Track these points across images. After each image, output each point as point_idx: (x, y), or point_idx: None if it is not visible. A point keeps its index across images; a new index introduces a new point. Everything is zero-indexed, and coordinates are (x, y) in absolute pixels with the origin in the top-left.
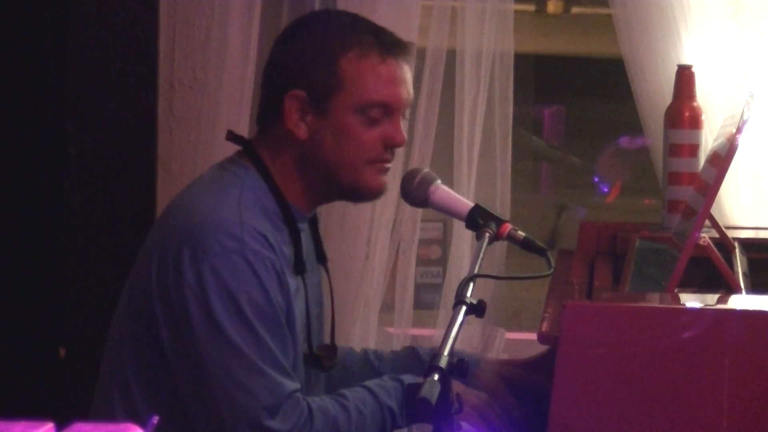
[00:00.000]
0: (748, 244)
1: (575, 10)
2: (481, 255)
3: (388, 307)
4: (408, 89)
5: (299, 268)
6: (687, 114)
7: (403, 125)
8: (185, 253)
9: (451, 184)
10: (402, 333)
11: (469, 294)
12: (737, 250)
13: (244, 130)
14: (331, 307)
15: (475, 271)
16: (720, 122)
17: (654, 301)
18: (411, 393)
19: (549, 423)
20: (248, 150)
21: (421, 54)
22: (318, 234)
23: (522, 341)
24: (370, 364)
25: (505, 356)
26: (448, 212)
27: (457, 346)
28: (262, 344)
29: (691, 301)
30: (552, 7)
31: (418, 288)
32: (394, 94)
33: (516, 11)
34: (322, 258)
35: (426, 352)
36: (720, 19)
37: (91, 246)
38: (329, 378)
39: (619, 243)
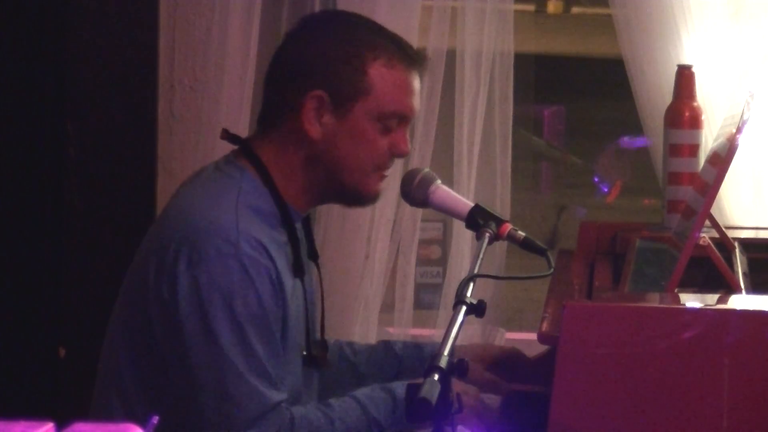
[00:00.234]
0: (748, 244)
1: (575, 10)
2: (481, 255)
3: (388, 307)
4: (419, 100)
5: (298, 270)
6: (687, 114)
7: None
8: (181, 256)
9: (451, 184)
10: (402, 333)
11: (469, 294)
12: (737, 250)
13: (243, 130)
14: (321, 304)
15: (475, 271)
16: (720, 122)
17: (654, 301)
18: (411, 393)
19: (549, 423)
20: (245, 149)
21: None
22: (311, 231)
23: (522, 341)
24: (345, 358)
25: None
26: (448, 212)
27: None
28: (251, 353)
29: (691, 301)
30: (552, 7)
31: (418, 288)
32: (411, 105)
33: (516, 11)
34: (314, 255)
35: (400, 347)
36: (720, 19)
37: (91, 246)
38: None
39: (619, 243)
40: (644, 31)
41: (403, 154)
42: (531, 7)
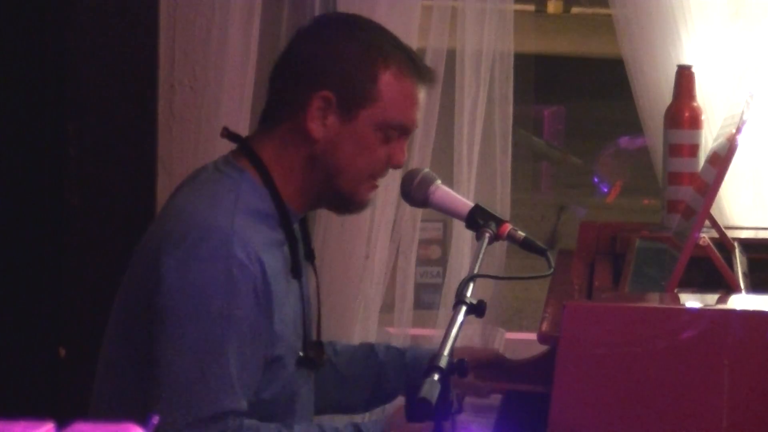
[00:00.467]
0: (748, 244)
1: (575, 10)
2: (481, 255)
3: (388, 307)
4: (421, 115)
5: (295, 271)
6: (687, 114)
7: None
8: (172, 253)
9: (451, 184)
10: (402, 333)
11: (469, 294)
12: (737, 250)
13: (244, 130)
14: (317, 304)
15: (475, 271)
16: (720, 122)
17: (654, 301)
18: (411, 393)
19: (549, 423)
20: (245, 148)
21: (421, 54)
22: (308, 233)
23: (522, 341)
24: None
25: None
26: (448, 212)
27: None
28: (217, 355)
29: (691, 301)
30: (552, 7)
31: (418, 288)
32: (414, 119)
33: (516, 11)
34: (310, 257)
35: (383, 352)
36: (720, 19)
37: (91, 246)
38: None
39: (619, 243)
40: (644, 31)
41: (399, 166)
42: (531, 7)
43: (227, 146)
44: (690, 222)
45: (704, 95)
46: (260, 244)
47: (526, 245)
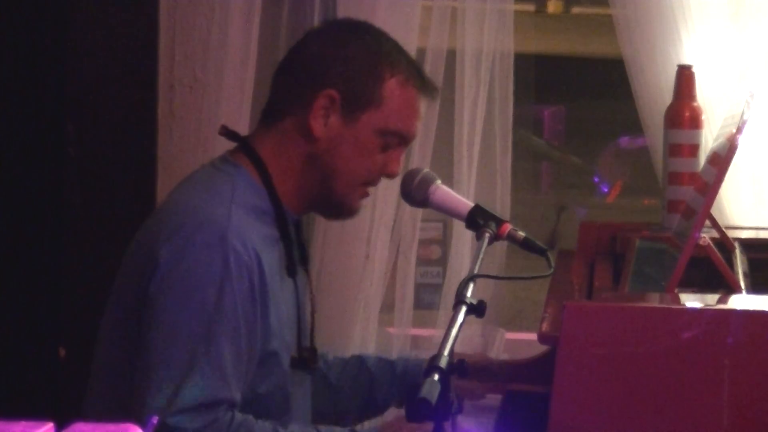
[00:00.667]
0: (748, 244)
1: (575, 10)
2: (481, 255)
3: (388, 308)
4: (420, 126)
5: (291, 269)
6: (687, 114)
7: None
8: (169, 243)
9: (451, 184)
10: (402, 333)
11: (469, 294)
12: (737, 250)
13: (243, 129)
14: (311, 310)
15: (475, 271)
16: (720, 122)
17: (654, 301)
18: (411, 393)
19: (549, 423)
20: (244, 146)
21: (421, 54)
22: (302, 237)
23: (522, 341)
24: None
25: (505, 356)
26: (448, 212)
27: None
28: (212, 344)
29: (691, 301)
30: (552, 7)
31: (418, 288)
32: (414, 129)
33: (516, 11)
34: (304, 261)
35: (373, 363)
36: (720, 19)
37: (91, 246)
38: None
39: (619, 243)
40: (644, 31)
41: (393, 175)
42: (531, 7)
43: (227, 146)
44: (690, 222)
45: (704, 95)
46: (256, 238)
47: (526, 245)
